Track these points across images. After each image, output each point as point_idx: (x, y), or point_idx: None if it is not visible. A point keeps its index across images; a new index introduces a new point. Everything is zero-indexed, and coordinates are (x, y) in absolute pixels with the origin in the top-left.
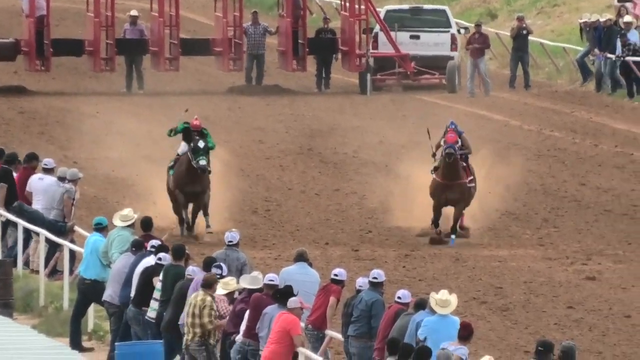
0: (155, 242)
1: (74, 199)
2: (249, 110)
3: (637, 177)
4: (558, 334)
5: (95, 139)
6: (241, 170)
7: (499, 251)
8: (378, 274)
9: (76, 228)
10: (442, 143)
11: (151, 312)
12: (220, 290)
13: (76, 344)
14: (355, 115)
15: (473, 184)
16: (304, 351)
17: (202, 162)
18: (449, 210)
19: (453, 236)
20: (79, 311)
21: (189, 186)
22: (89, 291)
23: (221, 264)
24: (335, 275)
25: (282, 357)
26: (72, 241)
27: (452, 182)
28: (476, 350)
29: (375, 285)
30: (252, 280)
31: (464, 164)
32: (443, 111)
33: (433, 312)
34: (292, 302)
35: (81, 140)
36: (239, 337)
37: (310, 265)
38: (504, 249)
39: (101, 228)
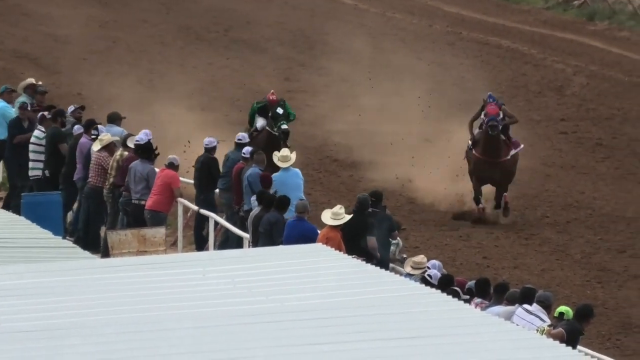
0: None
1: None
2: None
3: (465, 52)
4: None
5: (5, 18)
6: (127, 45)
7: (347, 112)
8: (242, 135)
9: None
10: (482, 116)
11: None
12: (97, 145)
13: None
14: (226, 0)
15: (517, 156)
16: (182, 201)
17: (284, 126)
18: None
19: (499, 210)
20: None
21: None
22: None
23: (98, 125)
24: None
25: (164, 205)
26: None
27: (493, 160)
28: (329, 200)
29: (240, 146)
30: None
31: (503, 138)
32: None
33: (260, 167)
34: (171, 159)
35: None
36: (124, 189)
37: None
38: (351, 111)
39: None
